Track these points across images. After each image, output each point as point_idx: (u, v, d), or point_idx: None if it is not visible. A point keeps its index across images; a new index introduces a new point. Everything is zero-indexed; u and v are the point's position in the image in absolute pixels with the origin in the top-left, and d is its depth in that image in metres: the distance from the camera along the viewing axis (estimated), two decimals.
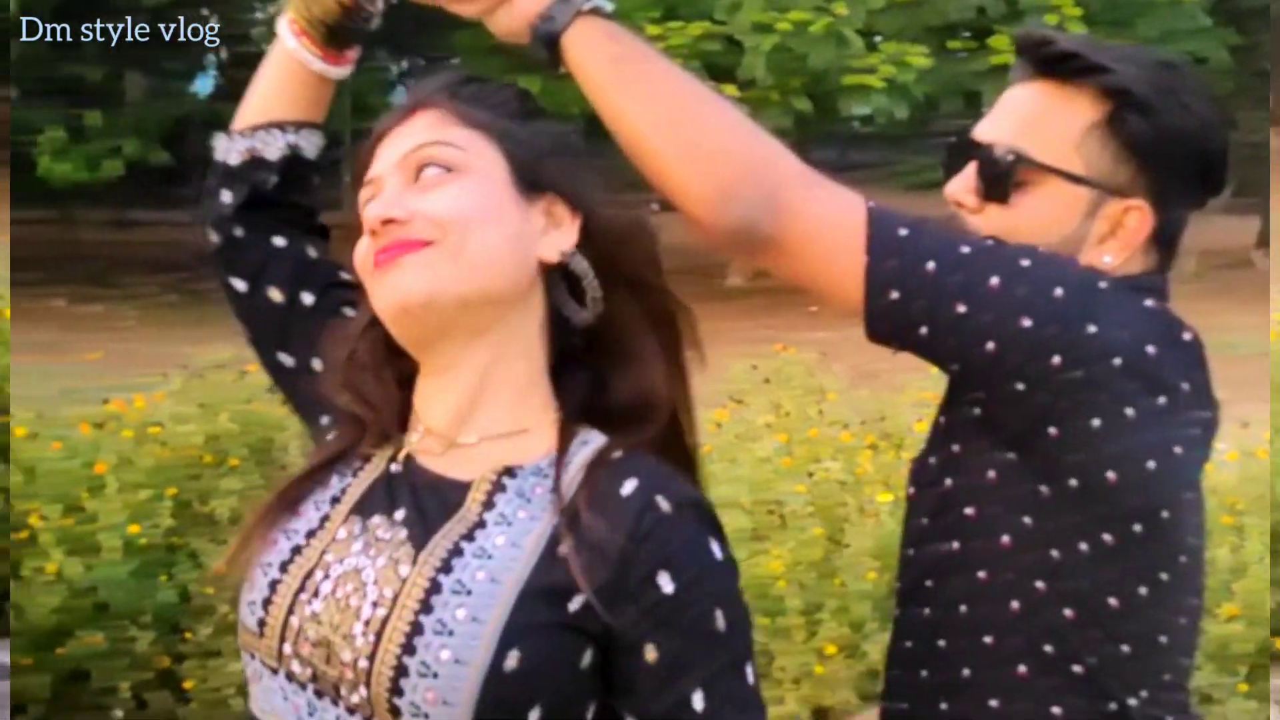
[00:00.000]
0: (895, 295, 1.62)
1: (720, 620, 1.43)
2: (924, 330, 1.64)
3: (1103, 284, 1.66)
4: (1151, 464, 1.64)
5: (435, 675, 1.37)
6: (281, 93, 1.72)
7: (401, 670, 1.38)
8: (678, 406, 1.59)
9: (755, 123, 1.69)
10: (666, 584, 1.42)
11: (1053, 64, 1.79)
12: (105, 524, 4.45)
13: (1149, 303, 1.69)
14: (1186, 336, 1.69)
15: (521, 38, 1.67)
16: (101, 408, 5.10)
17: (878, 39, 15.12)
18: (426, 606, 1.40)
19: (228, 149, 1.72)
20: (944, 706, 1.76)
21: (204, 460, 4.77)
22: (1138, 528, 1.65)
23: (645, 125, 1.63)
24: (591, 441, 1.52)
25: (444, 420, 1.53)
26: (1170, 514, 1.67)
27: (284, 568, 1.49)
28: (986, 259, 1.63)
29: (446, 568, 1.42)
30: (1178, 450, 1.65)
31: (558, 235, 1.54)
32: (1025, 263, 1.63)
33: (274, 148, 1.70)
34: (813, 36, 14.11)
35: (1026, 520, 1.69)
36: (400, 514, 1.48)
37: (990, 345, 1.61)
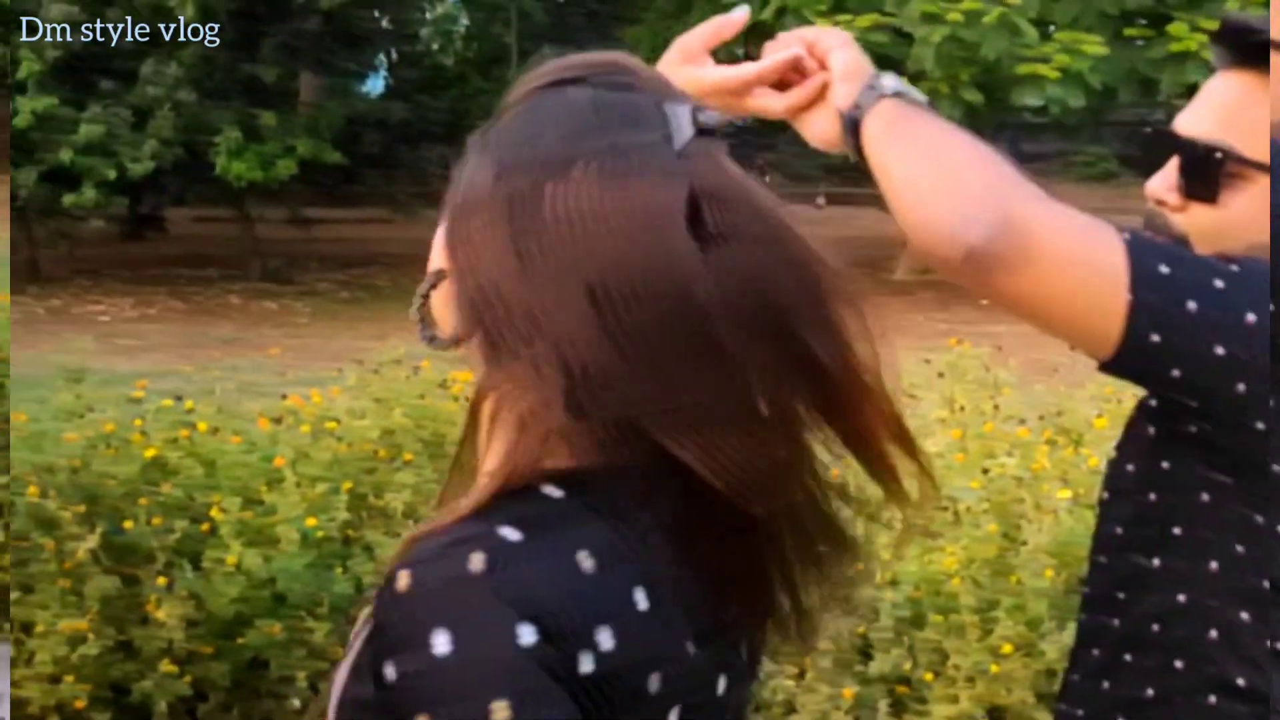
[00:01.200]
0: (1156, 338, 1.53)
1: None
2: (1176, 372, 1.55)
3: None
4: None
5: None
6: None
7: None
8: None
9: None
10: (390, 673, 1.18)
11: (1259, 53, 1.70)
12: (283, 517, 4.53)
13: None
14: None
15: (835, 144, 1.68)
16: (280, 403, 5.19)
17: (1051, 28, 14.86)
18: None
19: None
20: None
21: (379, 455, 4.83)
22: None
23: (902, 172, 1.59)
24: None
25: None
26: None
27: None
28: (1239, 292, 1.54)
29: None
30: None
31: None
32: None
33: None
34: (985, 26, 13.91)
35: (1239, 548, 1.63)
36: None
37: (1241, 386, 1.54)
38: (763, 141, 24.33)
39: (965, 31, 13.96)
